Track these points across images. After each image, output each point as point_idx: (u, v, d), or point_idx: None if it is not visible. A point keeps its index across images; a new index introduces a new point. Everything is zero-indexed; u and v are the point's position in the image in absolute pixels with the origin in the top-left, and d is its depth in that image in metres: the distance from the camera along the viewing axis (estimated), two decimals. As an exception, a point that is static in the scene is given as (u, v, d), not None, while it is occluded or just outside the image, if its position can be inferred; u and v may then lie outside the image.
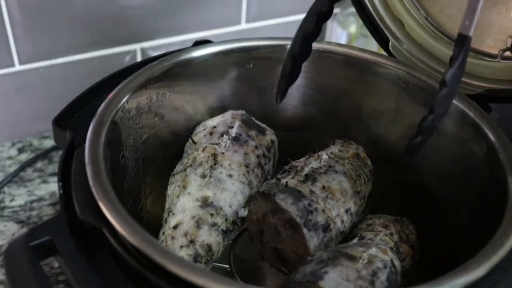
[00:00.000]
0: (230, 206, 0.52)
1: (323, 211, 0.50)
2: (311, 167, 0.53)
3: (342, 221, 0.52)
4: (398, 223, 0.54)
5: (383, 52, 0.65)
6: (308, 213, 0.49)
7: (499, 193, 0.46)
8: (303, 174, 0.52)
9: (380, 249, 0.48)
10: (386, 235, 0.52)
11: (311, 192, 0.50)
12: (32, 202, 0.73)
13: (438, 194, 0.57)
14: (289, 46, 0.60)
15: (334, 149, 0.58)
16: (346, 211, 0.52)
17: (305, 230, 0.48)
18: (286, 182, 0.51)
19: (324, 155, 0.55)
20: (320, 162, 0.54)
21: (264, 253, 0.54)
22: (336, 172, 0.53)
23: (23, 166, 0.78)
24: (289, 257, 0.51)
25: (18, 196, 0.74)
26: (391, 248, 0.51)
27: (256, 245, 0.54)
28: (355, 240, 0.52)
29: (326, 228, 0.49)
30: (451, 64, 0.45)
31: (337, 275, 0.43)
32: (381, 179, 0.61)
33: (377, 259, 0.46)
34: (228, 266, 0.55)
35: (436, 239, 0.56)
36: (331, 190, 0.51)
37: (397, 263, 0.49)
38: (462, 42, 0.45)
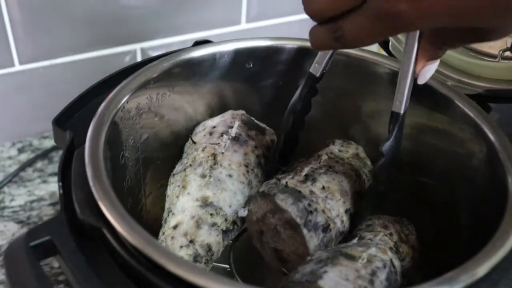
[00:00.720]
0: (230, 206, 0.52)
1: (323, 211, 0.50)
2: (311, 167, 0.53)
3: (342, 221, 0.52)
4: (398, 223, 0.54)
5: (383, 52, 0.65)
6: (308, 213, 0.49)
7: (499, 193, 0.46)
8: (303, 174, 0.52)
9: (380, 249, 0.48)
10: (386, 235, 0.52)
11: (311, 192, 0.50)
12: (32, 202, 0.73)
13: (438, 194, 0.57)
14: (289, 46, 0.60)
15: (334, 149, 0.58)
16: (346, 211, 0.52)
17: (305, 231, 0.48)
18: (286, 182, 0.51)
19: (324, 155, 0.55)
20: (319, 162, 0.54)
21: (263, 253, 0.54)
22: (336, 172, 0.53)
23: (23, 166, 0.78)
24: (288, 257, 0.51)
25: (18, 196, 0.74)
26: (391, 248, 0.51)
27: (256, 245, 0.54)
28: (354, 241, 0.52)
29: (326, 228, 0.49)
30: (387, 137, 0.50)
31: (337, 274, 0.44)
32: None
33: (377, 259, 0.46)
34: (228, 266, 0.55)
35: (436, 239, 0.56)
36: (331, 190, 0.51)
37: (396, 263, 0.49)
38: (395, 119, 0.49)
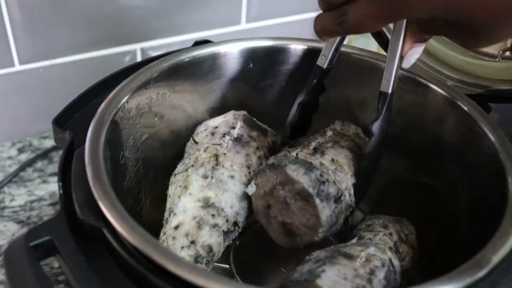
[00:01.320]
0: (231, 207, 0.52)
1: (334, 182, 0.50)
2: (318, 142, 0.53)
3: (350, 195, 0.52)
4: (398, 223, 0.54)
5: (383, 52, 0.65)
6: (320, 183, 0.48)
7: (499, 193, 0.46)
8: (311, 148, 0.52)
9: (379, 249, 0.48)
10: (386, 235, 0.52)
11: (321, 164, 0.50)
12: (32, 202, 0.73)
13: (438, 194, 0.57)
14: (289, 46, 0.60)
15: (336, 127, 0.58)
16: (353, 185, 0.52)
17: (317, 201, 0.48)
18: (297, 154, 0.51)
19: (329, 131, 0.56)
20: (325, 138, 0.55)
21: (269, 228, 0.53)
22: (342, 147, 0.54)
23: (23, 166, 0.78)
24: (298, 231, 0.51)
25: (18, 196, 0.74)
26: (390, 248, 0.51)
27: (261, 221, 0.53)
28: (354, 240, 0.52)
29: (337, 199, 0.49)
30: (376, 117, 0.50)
31: (335, 273, 0.44)
32: (380, 179, 0.61)
33: (375, 258, 0.46)
34: (228, 266, 0.55)
35: (436, 239, 0.56)
36: (340, 163, 0.51)
37: (396, 262, 0.49)
38: (383, 98, 0.50)
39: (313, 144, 0.53)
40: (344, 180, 0.51)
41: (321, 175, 0.49)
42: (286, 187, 0.49)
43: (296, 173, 0.48)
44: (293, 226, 0.51)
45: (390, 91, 0.50)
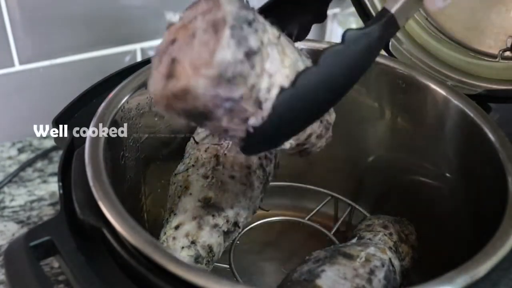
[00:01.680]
0: (232, 208, 0.52)
1: (262, 43, 0.38)
2: (279, 31, 0.41)
3: (268, 89, 0.38)
4: (398, 223, 0.54)
5: (383, 52, 0.65)
6: (246, 24, 0.37)
7: (499, 193, 0.46)
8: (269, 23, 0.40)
9: (379, 249, 0.48)
10: (385, 235, 0.52)
11: (265, 29, 0.39)
12: (32, 202, 0.73)
13: (438, 194, 0.57)
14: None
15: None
16: (281, 89, 0.38)
17: (228, 32, 0.36)
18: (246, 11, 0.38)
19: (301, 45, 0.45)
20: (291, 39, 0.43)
21: (155, 67, 0.39)
22: (300, 55, 0.42)
23: (23, 166, 0.77)
24: (180, 70, 0.37)
25: (18, 196, 0.74)
26: (390, 248, 0.51)
27: (154, 60, 0.39)
28: (354, 240, 0.52)
29: (251, 54, 0.37)
30: (360, 27, 0.41)
31: (334, 273, 0.44)
32: (381, 179, 0.61)
33: (375, 258, 0.46)
34: (228, 266, 0.55)
35: (436, 239, 0.56)
36: (285, 52, 0.40)
37: (395, 262, 0.49)
38: (380, 15, 0.41)
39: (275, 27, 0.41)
40: (275, 69, 0.38)
41: (253, 20, 0.37)
42: (207, 16, 0.38)
43: (229, 2, 0.37)
44: (179, 64, 0.37)
45: (393, 11, 0.41)
